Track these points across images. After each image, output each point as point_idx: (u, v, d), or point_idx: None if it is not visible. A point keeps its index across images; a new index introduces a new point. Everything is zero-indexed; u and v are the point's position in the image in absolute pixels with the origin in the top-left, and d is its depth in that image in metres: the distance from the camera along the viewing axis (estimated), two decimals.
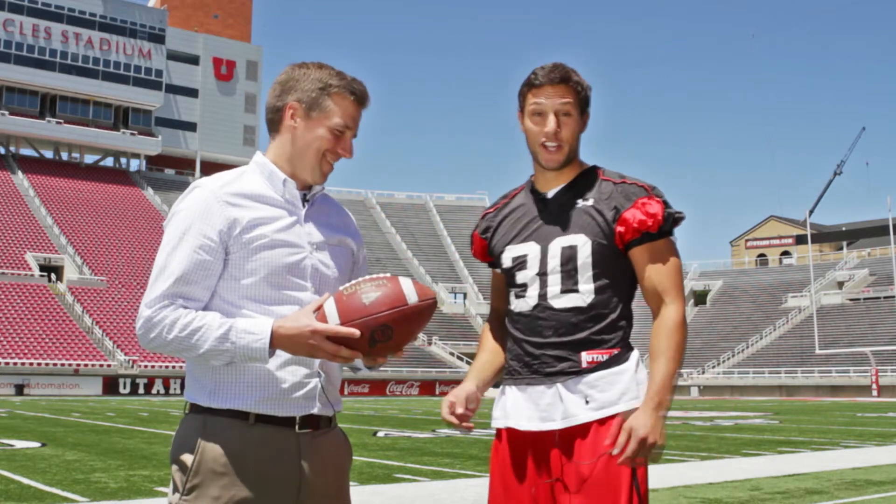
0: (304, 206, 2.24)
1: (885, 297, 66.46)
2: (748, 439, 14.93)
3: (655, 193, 2.34)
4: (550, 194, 2.43)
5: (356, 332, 1.99)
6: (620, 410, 2.28)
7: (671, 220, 2.33)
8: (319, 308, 2.04)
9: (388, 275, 2.08)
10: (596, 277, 2.32)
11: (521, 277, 2.40)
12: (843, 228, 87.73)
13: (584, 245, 2.32)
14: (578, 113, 2.38)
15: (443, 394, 56.63)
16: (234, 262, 2.13)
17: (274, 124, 2.26)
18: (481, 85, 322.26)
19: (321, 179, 2.25)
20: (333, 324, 2.01)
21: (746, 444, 13.65)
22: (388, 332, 2.02)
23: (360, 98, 2.23)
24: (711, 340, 68.47)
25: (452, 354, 64.09)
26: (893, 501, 7.54)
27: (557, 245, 2.35)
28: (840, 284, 73.55)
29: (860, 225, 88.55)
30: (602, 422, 2.27)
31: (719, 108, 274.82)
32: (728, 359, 65.26)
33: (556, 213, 2.39)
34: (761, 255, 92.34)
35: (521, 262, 2.40)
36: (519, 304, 2.41)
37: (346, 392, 49.77)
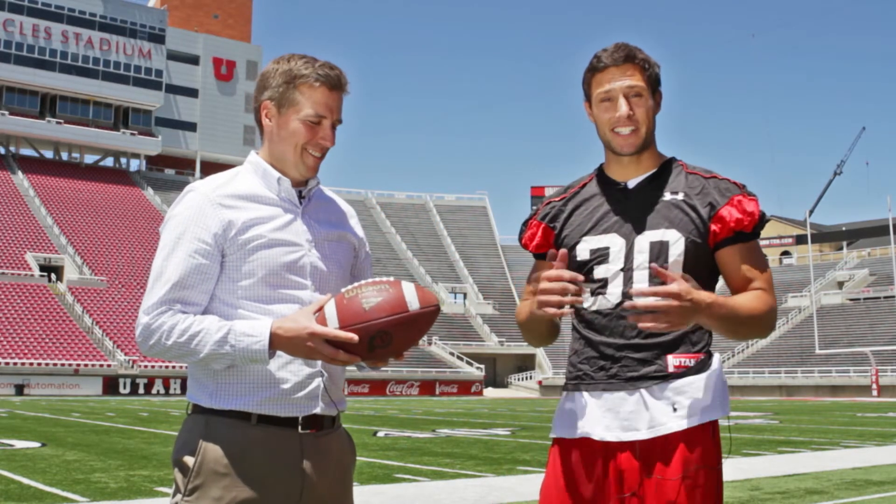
0: (300, 202, 2.21)
1: (885, 297, 66.45)
2: (748, 439, 14.90)
3: (748, 191, 2.19)
4: (632, 184, 2.25)
5: (354, 336, 1.95)
6: (711, 419, 2.14)
7: (763, 221, 2.18)
8: (320, 309, 2.01)
9: (392, 279, 2.04)
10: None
11: (600, 272, 2.21)
12: (843, 228, 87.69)
13: (676, 241, 2.15)
14: (650, 92, 2.21)
15: (443, 394, 56.68)
16: (231, 263, 2.11)
17: (258, 124, 2.23)
18: (481, 85, 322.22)
19: (308, 173, 2.20)
20: (332, 327, 1.97)
21: (746, 444, 13.62)
22: (386, 338, 1.97)
23: (329, 83, 2.14)
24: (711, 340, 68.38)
25: (452, 354, 64.05)
26: (893, 501, 7.54)
27: (645, 239, 2.17)
28: (840, 284, 73.56)
29: (860, 225, 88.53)
30: (690, 432, 2.11)
31: (719, 107, 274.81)
32: (728, 359, 65.20)
33: (641, 206, 2.21)
34: None
35: (601, 256, 2.21)
36: (597, 302, 2.21)
37: (346, 392, 49.60)
